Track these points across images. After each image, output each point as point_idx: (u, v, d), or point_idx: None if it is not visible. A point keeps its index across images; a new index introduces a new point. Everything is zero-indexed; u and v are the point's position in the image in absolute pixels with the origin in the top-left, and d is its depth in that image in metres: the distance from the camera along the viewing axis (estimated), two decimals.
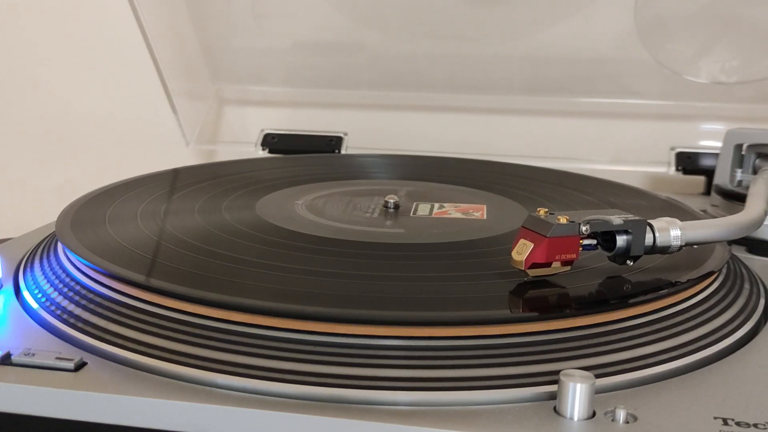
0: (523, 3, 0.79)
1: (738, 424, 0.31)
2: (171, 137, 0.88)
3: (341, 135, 0.87)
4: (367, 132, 0.88)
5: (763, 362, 0.37)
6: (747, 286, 0.46)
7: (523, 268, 0.39)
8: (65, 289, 0.42)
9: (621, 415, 0.31)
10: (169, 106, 0.85)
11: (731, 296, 0.43)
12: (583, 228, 0.39)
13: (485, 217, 0.54)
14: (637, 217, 0.40)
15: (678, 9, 0.77)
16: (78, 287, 0.41)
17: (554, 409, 0.32)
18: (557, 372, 0.32)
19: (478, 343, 0.35)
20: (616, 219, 0.40)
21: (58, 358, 0.35)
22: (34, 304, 0.41)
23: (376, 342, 0.34)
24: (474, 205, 0.57)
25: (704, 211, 0.64)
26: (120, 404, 0.32)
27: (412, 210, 0.56)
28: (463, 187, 0.64)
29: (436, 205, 0.57)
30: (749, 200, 0.51)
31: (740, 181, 0.66)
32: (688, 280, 0.41)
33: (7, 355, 0.35)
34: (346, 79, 0.89)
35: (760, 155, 0.66)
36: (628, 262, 0.41)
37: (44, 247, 0.49)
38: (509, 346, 0.35)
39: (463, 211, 0.55)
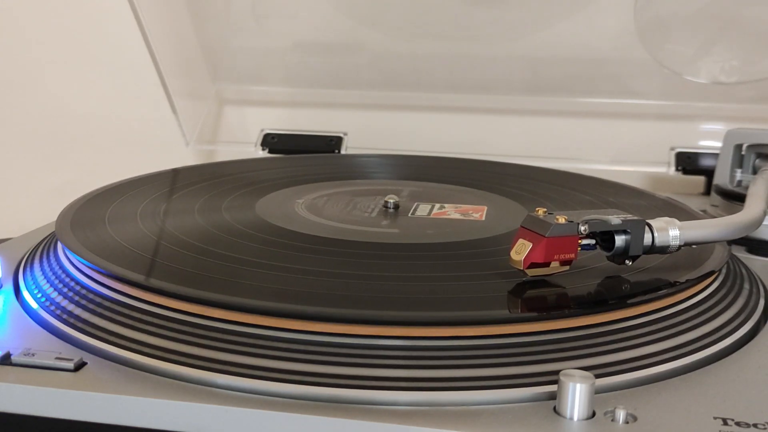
0: (524, 3, 0.79)
1: (738, 424, 0.31)
2: (171, 137, 0.88)
3: (341, 135, 0.87)
4: (367, 132, 0.88)
5: (762, 362, 0.37)
6: (747, 286, 0.46)
7: (521, 268, 0.39)
8: (65, 289, 0.42)
9: (621, 415, 0.31)
10: (169, 107, 0.85)
11: (731, 296, 0.43)
12: (582, 228, 0.39)
13: (484, 218, 0.54)
14: (635, 217, 0.40)
15: (678, 9, 0.77)
16: (78, 287, 0.41)
17: (554, 409, 0.32)
18: (557, 372, 0.32)
19: (478, 343, 0.35)
20: (615, 219, 0.40)
21: (57, 358, 0.35)
22: (34, 304, 0.41)
23: (376, 342, 0.34)
24: (473, 206, 0.57)
25: (704, 211, 0.64)
26: (120, 404, 0.32)
27: (412, 210, 0.56)
28: (463, 187, 0.64)
29: (437, 205, 0.57)
30: (748, 200, 0.51)
31: (740, 181, 0.66)
32: (687, 281, 0.41)
33: (7, 355, 0.35)
34: (346, 79, 0.89)
35: (759, 155, 0.65)
36: (627, 261, 0.41)
37: (44, 247, 0.49)
38: (509, 346, 0.35)
39: (463, 212, 0.55)
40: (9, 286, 0.44)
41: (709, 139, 0.82)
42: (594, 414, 0.31)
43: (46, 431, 0.33)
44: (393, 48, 0.85)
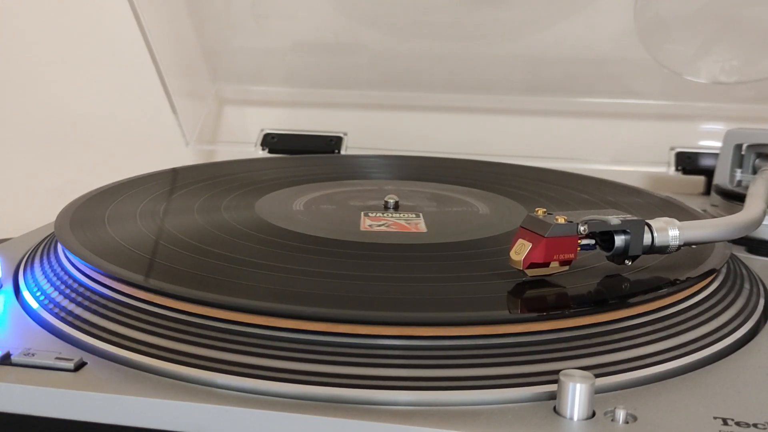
0: (523, 3, 0.79)
1: (738, 424, 0.31)
2: (171, 137, 0.88)
3: (341, 135, 0.87)
4: (367, 132, 0.88)
5: (763, 362, 0.37)
6: (747, 286, 0.46)
7: (521, 268, 0.39)
8: (65, 289, 0.41)
9: (621, 415, 0.31)
10: (169, 106, 0.85)
11: (731, 296, 0.43)
12: (581, 228, 0.39)
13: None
14: (635, 217, 0.40)
15: (678, 9, 0.77)
16: (78, 287, 0.41)
17: (554, 409, 0.32)
18: (557, 372, 0.32)
19: (478, 343, 0.35)
20: (614, 219, 0.40)
21: (57, 358, 0.35)
22: (34, 304, 0.41)
23: (376, 342, 0.34)
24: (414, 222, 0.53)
25: (704, 210, 0.64)
26: (120, 404, 0.32)
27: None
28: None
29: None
30: (748, 200, 0.51)
31: (740, 181, 0.66)
32: (687, 279, 0.41)
33: (7, 355, 0.35)
34: (346, 79, 0.89)
35: (759, 155, 0.66)
36: (627, 262, 0.41)
37: (44, 247, 0.49)
38: (509, 346, 0.35)
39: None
40: (9, 286, 0.44)
41: (709, 139, 0.82)
42: (594, 414, 0.31)
43: (46, 431, 0.33)
44: (393, 48, 0.85)
